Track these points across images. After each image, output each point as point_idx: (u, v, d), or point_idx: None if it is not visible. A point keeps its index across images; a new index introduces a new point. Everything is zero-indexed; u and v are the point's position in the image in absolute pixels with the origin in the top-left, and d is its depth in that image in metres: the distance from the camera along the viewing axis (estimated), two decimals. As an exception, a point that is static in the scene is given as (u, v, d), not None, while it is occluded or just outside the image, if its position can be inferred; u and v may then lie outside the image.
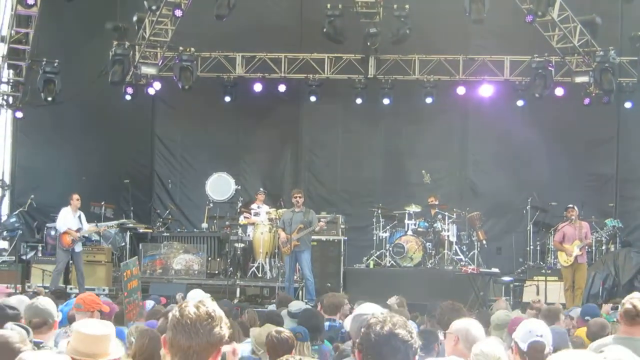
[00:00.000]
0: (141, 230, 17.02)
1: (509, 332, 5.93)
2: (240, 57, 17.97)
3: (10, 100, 16.99)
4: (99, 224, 15.69)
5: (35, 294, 10.22)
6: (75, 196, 14.29)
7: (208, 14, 15.10)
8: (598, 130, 17.98)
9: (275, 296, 13.03)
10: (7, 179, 17.43)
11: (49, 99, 15.89)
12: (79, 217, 14.29)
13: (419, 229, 15.89)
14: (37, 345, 4.64)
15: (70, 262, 14.34)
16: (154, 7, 15.01)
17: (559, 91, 16.82)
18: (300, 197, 13.95)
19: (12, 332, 4.29)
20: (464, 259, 15.80)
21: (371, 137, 19.00)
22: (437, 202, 16.36)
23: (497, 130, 18.08)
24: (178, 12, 15.28)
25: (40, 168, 17.56)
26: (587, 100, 16.89)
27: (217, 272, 15.86)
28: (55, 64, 15.83)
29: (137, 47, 16.62)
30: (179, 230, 17.50)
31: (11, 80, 16.93)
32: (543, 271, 15.03)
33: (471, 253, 16.06)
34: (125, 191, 17.95)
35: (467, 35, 17.73)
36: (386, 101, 17.57)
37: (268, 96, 18.13)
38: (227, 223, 16.50)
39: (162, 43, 16.69)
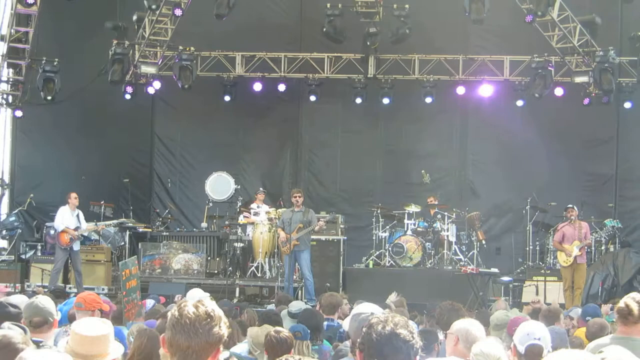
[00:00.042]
0: (140, 230, 17.00)
1: (508, 332, 5.93)
2: (240, 57, 17.97)
3: (10, 99, 16.99)
4: (97, 223, 15.67)
5: (34, 293, 10.23)
6: (73, 195, 14.28)
7: (208, 13, 15.10)
8: (597, 130, 17.98)
9: (274, 296, 13.01)
10: (6, 178, 17.41)
11: (49, 98, 15.91)
12: (77, 215, 14.26)
13: (418, 229, 15.89)
14: (37, 344, 4.64)
15: (69, 261, 14.33)
16: (153, 7, 15.02)
17: (559, 91, 16.81)
18: (299, 197, 13.94)
19: (15, 332, 4.30)
20: (463, 259, 15.79)
21: (371, 137, 19.00)
22: (436, 202, 16.37)
23: (497, 130, 18.07)
24: (178, 12, 15.28)
25: (40, 167, 17.56)
26: (586, 101, 16.89)
27: (216, 271, 15.85)
28: (55, 63, 15.83)
29: (137, 46, 16.62)
30: (178, 229, 17.49)
31: (11, 79, 16.93)
32: (542, 271, 15.04)
33: (470, 253, 16.06)
34: (124, 190, 17.94)
35: (466, 35, 17.74)
36: (386, 101, 17.57)
37: (268, 96, 18.13)
38: (226, 223, 16.48)
39: (162, 42, 16.69)
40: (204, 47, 17.63)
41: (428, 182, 16.92)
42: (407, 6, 15.63)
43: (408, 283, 14.11)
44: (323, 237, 15.51)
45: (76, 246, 14.21)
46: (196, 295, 7.72)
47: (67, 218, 14.13)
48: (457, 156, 18.75)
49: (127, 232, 16.64)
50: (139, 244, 16.19)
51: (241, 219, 15.98)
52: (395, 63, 17.65)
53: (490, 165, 18.19)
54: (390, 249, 15.69)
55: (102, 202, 16.97)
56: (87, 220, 14.77)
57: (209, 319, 2.85)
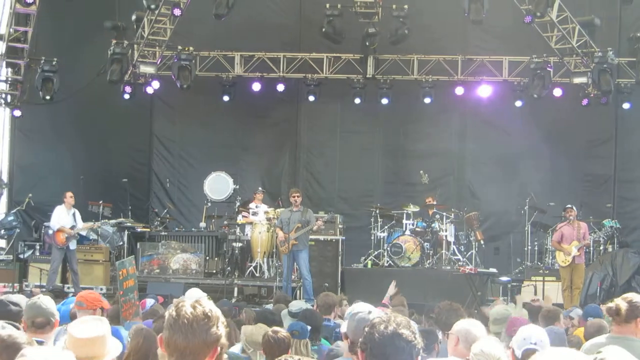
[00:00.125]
0: (139, 230, 16.96)
1: (507, 332, 5.93)
2: (238, 57, 17.96)
3: (9, 98, 16.97)
4: (95, 222, 15.65)
5: (32, 293, 10.21)
6: (69, 194, 14.25)
7: (207, 13, 15.09)
8: (596, 130, 18.00)
9: (273, 296, 13.00)
10: (5, 178, 17.41)
11: (47, 97, 15.90)
12: (74, 214, 14.24)
13: (417, 229, 15.88)
14: (39, 344, 4.64)
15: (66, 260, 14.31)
16: (152, 6, 15.02)
17: (558, 92, 16.82)
18: (298, 197, 13.95)
19: (20, 332, 4.31)
20: (461, 259, 15.79)
21: (369, 137, 18.99)
22: (435, 202, 16.36)
23: (496, 130, 18.09)
24: (177, 11, 15.28)
25: (38, 167, 17.55)
26: (585, 101, 16.91)
27: (215, 271, 15.85)
28: (54, 63, 15.82)
29: (135, 46, 16.62)
30: (176, 229, 17.49)
31: (9, 79, 16.92)
32: (541, 271, 15.03)
33: (469, 253, 16.06)
34: (123, 190, 17.89)
35: (465, 36, 17.75)
36: (385, 101, 17.57)
37: (266, 96, 18.11)
38: (225, 222, 16.48)
39: (161, 42, 16.68)
40: (202, 47, 17.62)
41: (427, 182, 16.92)
42: (406, 7, 15.63)
43: (406, 283, 14.06)
44: (321, 237, 15.51)
45: (72, 245, 14.19)
46: (194, 295, 7.70)
47: (63, 217, 14.11)
48: (456, 156, 18.75)
49: (126, 232, 16.60)
50: (138, 244, 16.17)
51: (240, 219, 15.96)
52: (394, 63, 17.65)
53: (489, 166, 18.17)
54: (388, 249, 15.69)
55: (101, 202, 16.94)
56: (85, 220, 14.75)
57: (206, 319, 2.84)
